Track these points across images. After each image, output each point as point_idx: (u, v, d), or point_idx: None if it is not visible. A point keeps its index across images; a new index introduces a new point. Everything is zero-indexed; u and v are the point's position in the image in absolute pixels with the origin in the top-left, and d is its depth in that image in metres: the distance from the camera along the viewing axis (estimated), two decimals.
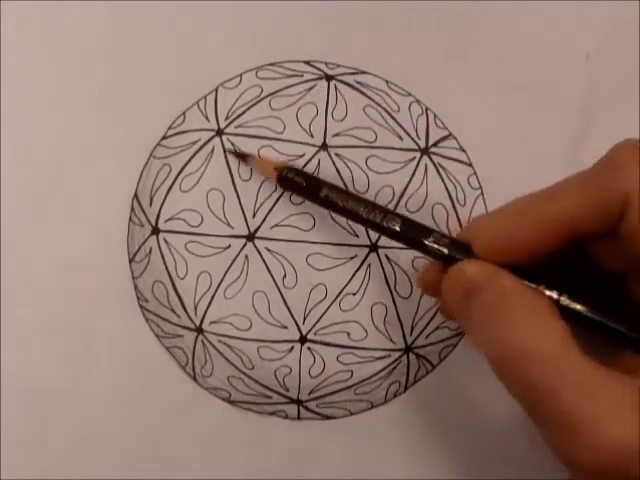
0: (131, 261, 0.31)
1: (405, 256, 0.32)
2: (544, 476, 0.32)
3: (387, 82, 0.32)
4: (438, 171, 0.32)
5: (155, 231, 0.32)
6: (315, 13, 0.32)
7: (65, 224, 0.31)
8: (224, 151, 0.31)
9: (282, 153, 0.32)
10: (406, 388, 0.31)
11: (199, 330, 0.31)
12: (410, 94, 0.32)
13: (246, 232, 0.31)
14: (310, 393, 0.31)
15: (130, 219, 0.32)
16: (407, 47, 0.32)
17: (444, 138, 0.32)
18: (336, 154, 0.32)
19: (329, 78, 0.32)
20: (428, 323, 0.32)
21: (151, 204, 0.32)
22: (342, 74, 0.32)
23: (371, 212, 0.27)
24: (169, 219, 0.32)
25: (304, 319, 0.31)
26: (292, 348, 0.31)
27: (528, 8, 0.32)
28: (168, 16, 0.32)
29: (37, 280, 0.31)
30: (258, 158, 0.31)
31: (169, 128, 0.32)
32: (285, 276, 0.31)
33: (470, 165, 0.32)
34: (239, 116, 0.32)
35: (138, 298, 0.31)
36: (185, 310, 0.31)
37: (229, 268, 0.31)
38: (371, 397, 0.31)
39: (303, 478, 0.31)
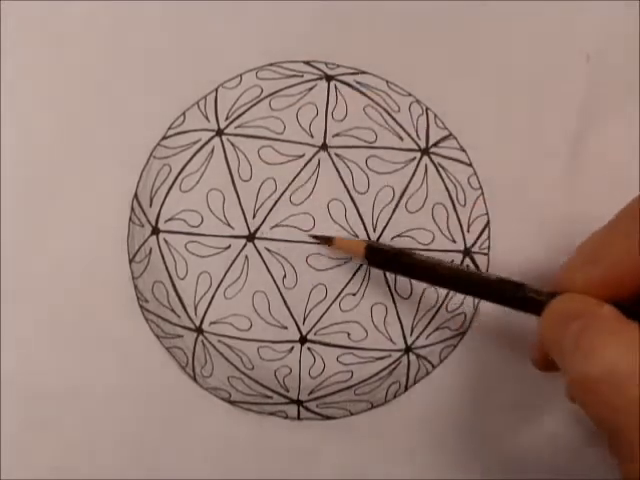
0: (131, 261, 0.31)
1: None
2: (544, 476, 0.32)
3: (387, 82, 0.32)
4: (438, 171, 0.32)
5: (155, 231, 0.32)
6: (315, 13, 0.32)
7: (65, 224, 0.31)
8: (315, 237, 0.31)
9: (282, 153, 0.32)
10: (406, 388, 0.31)
11: (199, 330, 0.31)
12: (410, 94, 0.32)
13: (246, 232, 0.31)
14: (310, 393, 0.31)
15: (130, 219, 0.32)
16: (407, 47, 0.32)
17: (444, 138, 0.32)
18: (336, 154, 0.32)
19: (329, 78, 0.32)
20: (428, 323, 0.32)
21: (151, 204, 0.32)
22: (342, 74, 0.32)
23: (464, 274, 0.27)
24: (169, 219, 0.32)
25: (304, 319, 0.31)
26: (292, 348, 0.31)
27: (528, 8, 0.32)
28: (168, 16, 0.32)
29: (37, 280, 0.31)
30: (344, 240, 0.31)
31: (169, 128, 0.32)
32: (285, 276, 0.31)
33: (470, 165, 0.32)
34: (239, 116, 0.32)
35: (138, 298, 0.31)
36: (185, 310, 0.31)
37: (229, 268, 0.31)
38: (371, 397, 0.31)
39: (303, 478, 0.31)
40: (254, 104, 0.32)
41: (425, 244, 0.32)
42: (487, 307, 0.32)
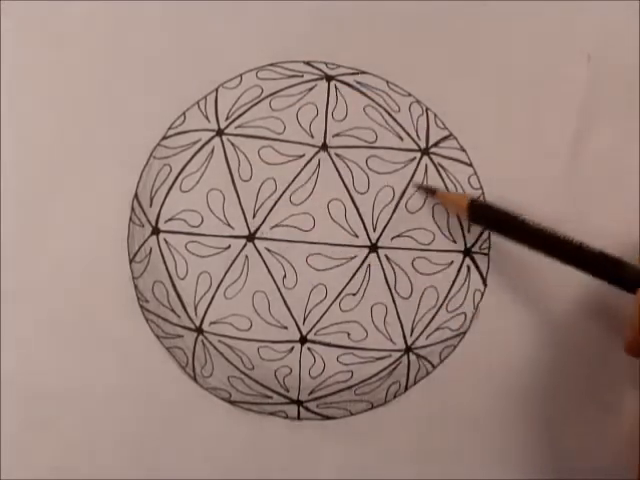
0: (131, 261, 0.31)
1: (405, 256, 0.32)
2: (544, 476, 0.32)
3: (387, 82, 0.32)
4: (438, 171, 0.32)
5: (155, 231, 0.31)
6: (315, 13, 0.32)
7: (65, 224, 0.31)
8: (421, 188, 0.31)
9: (282, 153, 0.32)
10: (406, 388, 0.31)
11: (199, 330, 0.31)
12: (410, 94, 0.32)
13: (246, 232, 0.31)
14: (310, 393, 0.31)
15: (130, 219, 0.32)
16: (407, 47, 0.32)
17: (444, 138, 0.32)
18: (336, 154, 0.32)
19: (329, 78, 0.32)
20: (428, 323, 0.32)
21: (151, 204, 0.32)
22: (342, 74, 0.32)
23: (567, 241, 0.27)
24: (169, 219, 0.32)
25: (304, 319, 0.31)
26: (292, 348, 0.31)
27: (528, 8, 0.32)
28: (168, 16, 0.32)
29: (37, 280, 0.31)
30: (447, 193, 0.31)
31: (169, 128, 0.32)
32: (285, 276, 0.31)
33: (470, 165, 0.32)
34: (239, 116, 0.32)
35: (138, 298, 0.31)
36: (185, 310, 0.31)
37: (229, 268, 0.31)
38: (371, 397, 0.31)
39: (303, 478, 0.31)
40: (254, 104, 0.32)
41: (425, 244, 0.32)
42: (487, 307, 0.32)
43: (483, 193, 0.32)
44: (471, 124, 0.32)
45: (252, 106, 0.32)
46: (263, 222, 0.31)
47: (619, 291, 0.26)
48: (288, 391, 0.31)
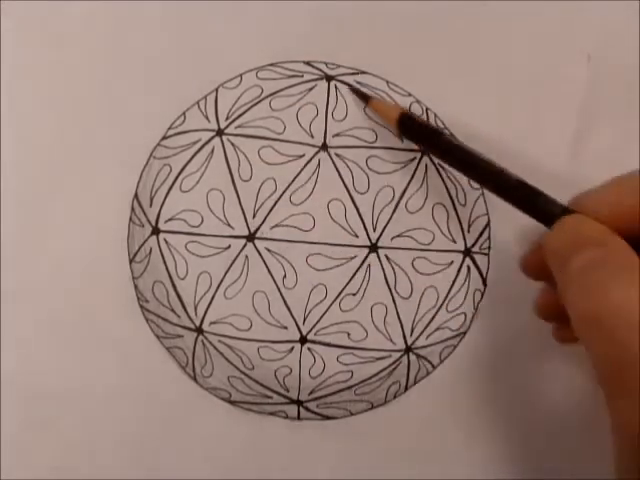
0: (131, 261, 0.31)
1: (405, 256, 0.32)
2: (544, 475, 0.32)
3: (387, 82, 0.32)
4: (438, 171, 0.32)
5: (155, 231, 0.32)
6: (315, 13, 0.32)
7: (65, 224, 0.31)
8: (350, 88, 0.31)
9: (282, 153, 0.32)
10: (406, 389, 0.31)
11: (199, 330, 0.31)
12: (410, 94, 0.32)
13: (246, 232, 0.31)
14: (310, 393, 0.31)
15: (130, 219, 0.32)
16: (407, 47, 0.32)
17: None
18: (336, 154, 0.32)
19: (329, 78, 0.32)
20: (428, 323, 0.32)
21: (151, 204, 0.32)
22: (342, 74, 0.32)
23: (489, 165, 0.27)
24: (169, 219, 0.32)
25: (304, 319, 0.31)
26: (292, 348, 0.31)
27: (528, 8, 0.32)
28: (168, 16, 0.32)
29: (37, 280, 0.31)
30: (381, 101, 0.31)
31: (169, 128, 0.32)
32: (285, 276, 0.31)
33: None
34: (239, 116, 0.32)
35: (138, 298, 0.31)
36: (185, 310, 0.31)
37: (229, 268, 0.31)
38: (371, 398, 0.31)
39: (303, 478, 0.31)
40: (254, 104, 0.32)
41: (425, 244, 0.32)
42: (487, 307, 0.32)
43: (483, 193, 0.32)
44: (471, 124, 0.32)
45: (252, 106, 0.32)
46: (263, 222, 0.31)
47: None
48: (288, 391, 0.31)
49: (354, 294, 0.31)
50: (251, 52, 0.32)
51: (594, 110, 0.32)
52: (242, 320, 0.31)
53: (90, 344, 0.31)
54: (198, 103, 0.32)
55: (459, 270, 0.32)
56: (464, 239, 0.32)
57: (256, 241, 0.31)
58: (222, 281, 0.31)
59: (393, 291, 0.32)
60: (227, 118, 0.32)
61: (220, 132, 0.32)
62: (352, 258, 0.31)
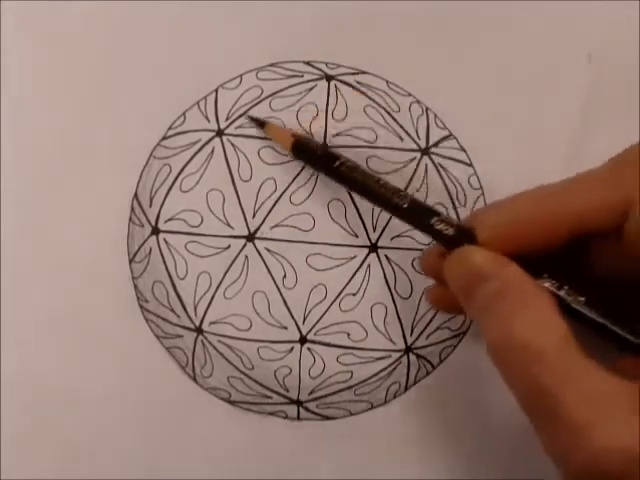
0: (131, 261, 0.31)
1: (405, 256, 0.32)
2: (545, 475, 0.32)
3: (387, 82, 0.32)
4: (438, 171, 0.32)
5: (155, 231, 0.32)
6: (315, 13, 0.32)
7: (65, 224, 0.31)
8: (251, 119, 0.31)
9: (282, 153, 0.32)
10: (406, 389, 0.31)
11: (199, 330, 0.31)
12: (410, 94, 0.32)
13: (246, 232, 0.31)
14: (310, 394, 0.31)
15: (130, 219, 0.32)
16: (407, 47, 0.32)
17: (444, 138, 0.32)
18: None
19: (329, 78, 0.32)
20: (428, 324, 0.32)
21: (151, 204, 0.32)
22: (342, 74, 0.32)
23: (381, 188, 0.27)
24: (169, 219, 0.32)
25: (304, 319, 0.31)
26: (292, 348, 0.31)
27: (529, 8, 0.32)
28: (168, 16, 0.32)
29: (37, 280, 0.31)
30: (275, 126, 0.31)
31: (169, 128, 0.32)
32: (285, 276, 0.31)
33: (470, 165, 0.32)
34: (239, 117, 0.32)
35: (138, 298, 0.31)
36: (185, 310, 0.31)
37: (229, 268, 0.31)
38: (371, 398, 0.31)
39: (303, 478, 0.31)
40: (254, 104, 0.32)
41: (425, 244, 0.32)
42: None
43: (483, 193, 0.32)
44: (471, 124, 0.32)
45: (252, 106, 0.32)
46: (263, 222, 0.31)
47: None
48: (288, 391, 0.31)
49: (354, 294, 0.31)
50: (251, 52, 0.32)
51: (594, 110, 0.32)
52: (242, 320, 0.31)
53: (90, 344, 0.31)
54: (198, 103, 0.32)
55: None
56: None
57: (256, 241, 0.31)
58: (222, 281, 0.31)
59: (393, 291, 0.32)
60: (227, 118, 0.32)
61: (220, 132, 0.32)
62: (352, 258, 0.31)
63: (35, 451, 0.31)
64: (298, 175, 0.32)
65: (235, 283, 0.31)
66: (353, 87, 0.32)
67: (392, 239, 0.32)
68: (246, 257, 0.31)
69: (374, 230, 0.32)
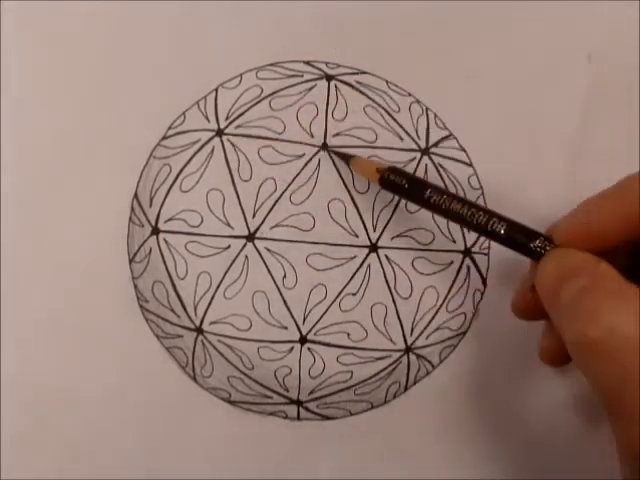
0: (131, 261, 0.31)
1: (405, 256, 0.32)
2: (543, 476, 0.32)
3: (387, 82, 0.32)
4: (438, 171, 0.32)
5: (155, 231, 0.32)
6: (315, 13, 0.32)
7: (65, 224, 0.31)
8: (330, 154, 0.31)
9: (282, 153, 0.32)
10: (406, 389, 0.31)
11: (199, 330, 0.31)
12: (410, 94, 0.32)
13: (246, 232, 0.31)
14: (310, 393, 0.31)
15: (130, 219, 0.32)
16: (407, 47, 0.32)
17: (444, 138, 0.32)
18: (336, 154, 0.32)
19: (329, 78, 0.32)
20: (428, 323, 0.32)
21: (151, 204, 0.32)
22: (342, 74, 0.32)
23: (475, 215, 0.26)
24: (169, 219, 0.32)
25: (304, 319, 0.31)
26: (292, 348, 0.31)
27: (529, 8, 0.32)
28: (168, 16, 0.32)
29: (37, 280, 0.31)
30: (361, 159, 0.31)
31: (169, 128, 0.32)
32: (285, 276, 0.31)
33: (470, 165, 0.32)
34: (239, 116, 0.32)
35: (138, 298, 0.31)
36: (185, 310, 0.31)
37: (229, 268, 0.31)
38: (371, 398, 0.31)
39: (303, 478, 0.31)
40: (254, 104, 0.32)
41: (425, 244, 0.32)
42: (487, 307, 0.32)
43: (483, 193, 0.32)
44: (471, 124, 0.32)
45: (252, 106, 0.32)
46: (263, 222, 0.31)
47: None
48: (288, 391, 0.31)
49: (354, 294, 0.31)
50: (251, 52, 0.32)
51: (594, 110, 0.32)
52: (242, 320, 0.31)
53: (90, 344, 0.31)
54: (198, 103, 0.32)
55: (459, 270, 0.32)
56: (464, 239, 0.32)
57: (256, 241, 0.31)
58: (222, 281, 0.31)
59: (393, 291, 0.32)
60: (227, 118, 0.32)
61: (220, 132, 0.32)
62: (352, 258, 0.31)
63: (35, 451, 0.31)
64: (298, 175, 0.32)
65: (235, 283, 0.31)
66: (353, 87, 0.32)
67: (392, 239, 0.32)
68: (246, 257, 0.31)
69: (374, 230, 0.32)
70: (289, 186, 0.32)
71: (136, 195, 0.32)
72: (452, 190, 0.32)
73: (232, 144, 0.32)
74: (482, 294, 0.32)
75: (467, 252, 0.32)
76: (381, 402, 0.31)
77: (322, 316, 0.31)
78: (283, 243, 0.31)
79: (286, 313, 0.31)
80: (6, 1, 0.32)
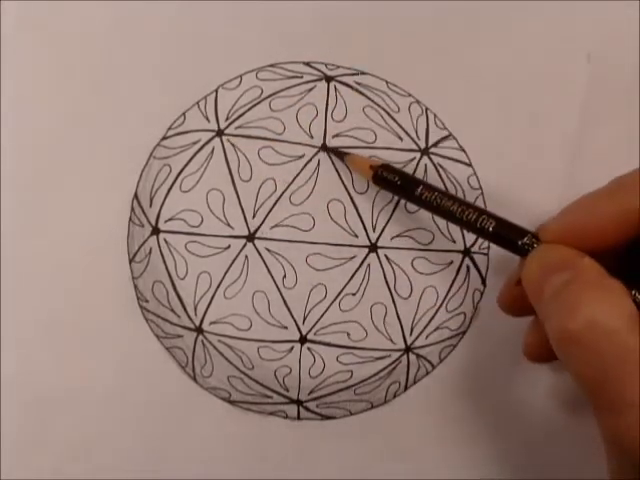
0: (131, 261, 0.31)
1: (405, 256, 0.32)
2: (543, 476, 0.32)
3: (387, 82, 0.32)
4: (438, 171, 0.32)
5: (155, 231, 0.32)
6: (315, 13, 0.32)
7: (65, 224, 0.31)
8: (327, 152, 0.32)
9: (282, 154, 0.32)
10: (406, 388, 0.31)
11: (199, 330, 0.31)
12: (410, 94, 0.32)
13: (246, 232, 0.31)
14: (310, 393, 0.31)
15: (130, 219, 0.32)
16: (407, 47, 0.32)
17: (444, 138, 0.32)
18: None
19: (329, 79, 0.32)
20: (428, 323, 0.32)
21: (151, 204, 0.32)
22: (342, 75, 0.32)
23: (465, 211, 0.27)
24: (169, 219, 0.32)
25: (304, 319, 0.31)
26: (292, 348, 0.31)
27: (529, 8, 0.32)
28: (168, 16, 0.32)
29: (37, 280, 0.31)
30: (356, 156, 0.31)
31: (169, 128, 0.32)
32: (285, 276, 0.31)
33: (470, 165, 0.32)
34: (239, 117, 0.32)
35: (138, 298, 0.31)
36: (185, 310, 0.31)
37: (229, 268, 0.31)
38: (371, 397, 0.31)
39: (303, 478, 0.31)
40: (254, 105, 0.32)
41: (425, 244, 0.32)
42: (487, 307, 0.32)
43: (482, 193, 0.32)
44: (471, 124, 0.32)
45: (252, 107, 0.32)
46: (263, 222, 0.31)
47: None
48: (288, 391, 0.31)
49: (354, 294, 0.31)
50: (251, 52, 0.32)
51: (594, 110, 0.32)
52: (242, 320, 0.31)
53: (90, 344, 0.31)
54: (198, 103, 0.32)
55: (458, 270, 0.32)
56: (463, 239, 0.32)
57: (256, 241, 0.31)
58: (222, 281, 0.31)
59: (393, 291, 0.32)
60: (227, 119, 0.32)
61: (220, 132, 0.32)
62: (352, 258, 0.31)
63: (35, 451, 0.31)
64: (298, 175, 0.32)
65: (235, 283, 0.31)
66: (352, 87, 0.32)
67: (392, 239, 0.32)
68: (246, 257, 0.31)
69: (374, 230, 0.32)
70: (289, 186, 0.32)
71: (136, 195, 0.32)
72: (452, 190, 0.32)
73: (232, 144, 0.32)
74: (482, 294, 0.32)
75: (467, 252, 0.32)
76: (381, 402, 0.31)
77: (322, 316, 0.31)
78: (283, 243, 0.31)
79: (286, 313, 0.31)
80: (6, 1, 0.32)
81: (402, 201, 0.32)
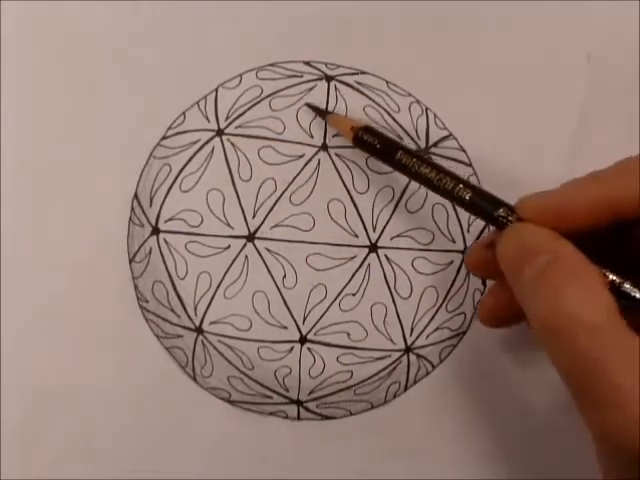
0: (131, 261, 0.31)
1: (405, 256, 0.32)
2: (543, 476, 0.32)
3: (387, 82, 0.32)
4: None
5: (155, 231, 0.32)
6: (315, 13, 0.32)
7: (65, 224, 0.31)
8: (309, 106, 0.32)
9: (282, 153, 0.32)
10: (406, 388, 0.31)
11: (199, 330, 0.31)
12: (410, 94, 0.32)
13: (246, 232, 0.31)
14: (310, 393, 0.31)
15: (130, 219, 0.32)
16: (407, 47, 0.32)
17: (444, 138, 0.32)
18: (336, 154, 0.32)
19: (329, 79, 0.32)
20: (428, 323, 0.32)
21: (151, 204, 0.32)
22: (342, 74, 0.32)
23: (443, 179, 0.27)
24: (169, 219, 0.32)
25: (304, 319, 0.31)
26: (292, 348, 0.31)
27: (528, 8, 0.32)
28: (168, 16, 0.32)
29: (37, 281, 0.31)
30: (337, 116, 0.31)
31: (169, 128, 0.32)
32: (285, 276, 0.31)
33: (470, 165, 0.32)
34: (239, 116, 0.32)
35: (138, 298, 0.31)
36: (185, 310, 0.31)
37: (229, 268, 0.31)
38: (371, 397, 0.31)
39: (303, 478, 0.31)
40: (254, 104, 0.32)
41: (425, 244, 0.32)
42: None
43: None
44: (471, 124, 0.32)
45: (252, 106, 0.32)
46: (263, 222, 0.31)
47: None
48: (288, 391, 0.31)
49: (354, 294, 0.31)
50: (251, 52, 0.32)
51: (594, 110, 0.32)
52: (242, 320, 0.31)
53: (90, 344, 0.31)
54: (198, 103, 0.32)
55: (459, 270, 0.32)
56: (463, 239, 0.32)
57: (256, 241, 0.31)
58: (222, 281, 0.31)
59: (393, 291, 0.32)
60: (227, 118, 0.32)
61: (220, 132, 0.32)
62: (352, 258, 0.31)
63: (35, 451, 0.31)
64: (298, 175, 0.32)
65: (235, 283, 0.31)
66: (353, 87, 0.32)
67: (392, 239, 0.32)
68: (246, 257, 0.31)
69: (374, 230, 0.32)
70: (289, 186, 0.32)
71: (136, 195, 0.32)
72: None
73: (232, 144, 0.32)
74: (482, 294, 0.32)
75: (467, 252, 0.32)
76: (381, 402, 0.31)
77: (322, 316, 0.31)
78: (283, 243, 0.31)
79: (286, 313, 0.31)
80: (6, 1, 0.32)
81: (402, 201, 0.32)
